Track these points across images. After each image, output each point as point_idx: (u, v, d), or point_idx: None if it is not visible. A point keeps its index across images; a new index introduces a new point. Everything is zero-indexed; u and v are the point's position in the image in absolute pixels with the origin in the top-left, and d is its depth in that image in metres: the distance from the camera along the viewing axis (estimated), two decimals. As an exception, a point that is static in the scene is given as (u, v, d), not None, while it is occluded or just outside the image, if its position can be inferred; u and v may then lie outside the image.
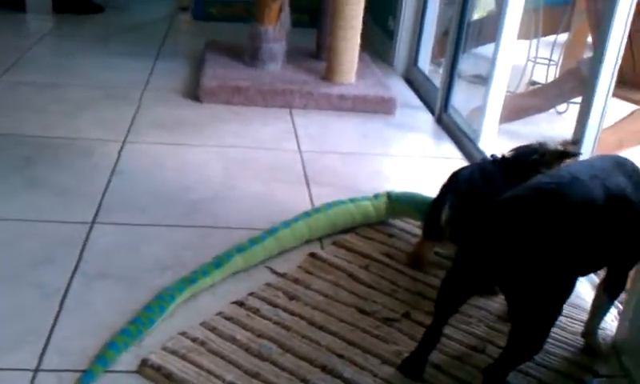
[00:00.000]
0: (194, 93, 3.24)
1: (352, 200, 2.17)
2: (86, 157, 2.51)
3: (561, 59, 3.90)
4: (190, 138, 2.79)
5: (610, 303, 1.71)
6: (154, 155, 2.58)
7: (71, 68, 3.50)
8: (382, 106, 3.27)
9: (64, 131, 2.72)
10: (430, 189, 2.49)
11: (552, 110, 3.65)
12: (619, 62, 2.03)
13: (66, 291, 1.72)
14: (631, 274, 1.68)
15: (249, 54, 3.47)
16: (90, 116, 2.89)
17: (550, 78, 3.82)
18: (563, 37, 4.01)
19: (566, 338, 1.70)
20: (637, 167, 1.59)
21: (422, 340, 1.52)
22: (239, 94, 3.18)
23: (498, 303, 1.80)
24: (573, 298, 1.85)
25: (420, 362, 1.51)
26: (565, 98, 3.45)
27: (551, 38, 3.98)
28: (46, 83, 3.24)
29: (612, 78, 2.04)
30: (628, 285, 1.71)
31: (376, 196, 2.21)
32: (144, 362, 1.46)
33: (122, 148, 2.60)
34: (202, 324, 1.60)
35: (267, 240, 1.93)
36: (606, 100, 2.06)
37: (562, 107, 3.64)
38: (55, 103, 3.00)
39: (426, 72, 3.76)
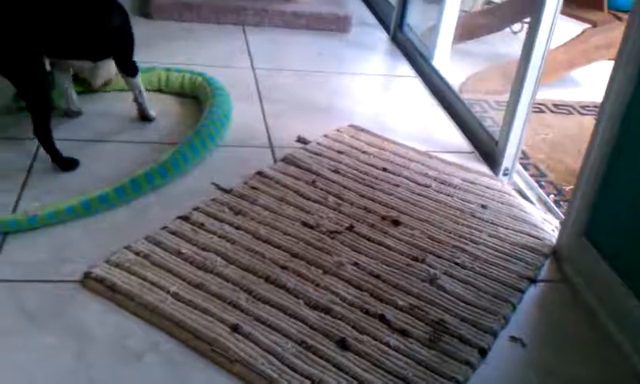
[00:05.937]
0: (145, 9, 3.15)
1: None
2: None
3: (518, -22, 3.87)
4: (140, 56, 2.71)
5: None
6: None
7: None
8: (337, 24, 3.23)
9: None
10: (385, 106, 2.52)
11: (507, 30, 3.65)
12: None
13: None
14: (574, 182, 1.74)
15: (201, -30, 3.37)
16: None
17: (506, -2, 3.81)
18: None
19: (505, 248, 1.76)
20: None
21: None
22: (191, 11, 3.11)
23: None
24: (516, 212, 1.91)
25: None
26: (519, 17, 3.44)
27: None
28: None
29: (560, -2, 2.04)
30: (569, 196, 1.75)
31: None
32: (87, 275, 1.47)
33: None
34: (147, 238, 1.60)
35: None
36: (553, 19, 2.05)
37: (516, 27, 3.64)
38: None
39: (383, -11, 3.70)
